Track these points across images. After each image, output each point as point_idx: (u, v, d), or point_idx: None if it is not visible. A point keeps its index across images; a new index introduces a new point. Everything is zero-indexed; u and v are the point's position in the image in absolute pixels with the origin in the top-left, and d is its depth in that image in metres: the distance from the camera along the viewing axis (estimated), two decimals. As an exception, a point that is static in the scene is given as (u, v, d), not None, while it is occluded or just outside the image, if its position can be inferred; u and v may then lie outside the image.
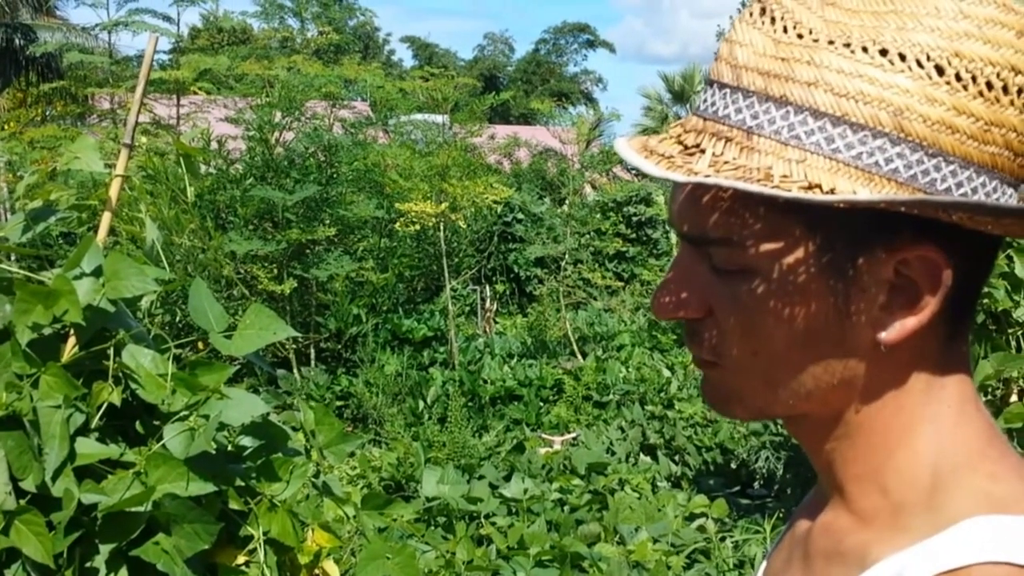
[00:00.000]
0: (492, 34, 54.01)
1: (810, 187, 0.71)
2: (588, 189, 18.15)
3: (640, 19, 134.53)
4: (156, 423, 1.91)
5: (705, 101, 0.78)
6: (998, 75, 0.71)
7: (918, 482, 0.77)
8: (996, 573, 0.68)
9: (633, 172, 22.36)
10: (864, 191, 0.71)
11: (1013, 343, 4.03)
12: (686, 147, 0.77)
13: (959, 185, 0.73)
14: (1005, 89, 0.72)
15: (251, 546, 1.94)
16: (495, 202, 13.20)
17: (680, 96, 29.11)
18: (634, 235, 17.22)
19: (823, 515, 0.86)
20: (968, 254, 0.76)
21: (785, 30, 0.75)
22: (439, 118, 13.81)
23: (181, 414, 1.87)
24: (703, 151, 0.76)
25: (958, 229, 0.73)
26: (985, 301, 3.97)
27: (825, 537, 0.84)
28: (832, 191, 0.71)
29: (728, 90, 0.76)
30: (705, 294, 0.80)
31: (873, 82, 0.71)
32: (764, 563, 0.97)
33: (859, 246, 0.74)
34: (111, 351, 1.88)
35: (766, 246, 0.75)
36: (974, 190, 0.73)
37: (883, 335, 0.76)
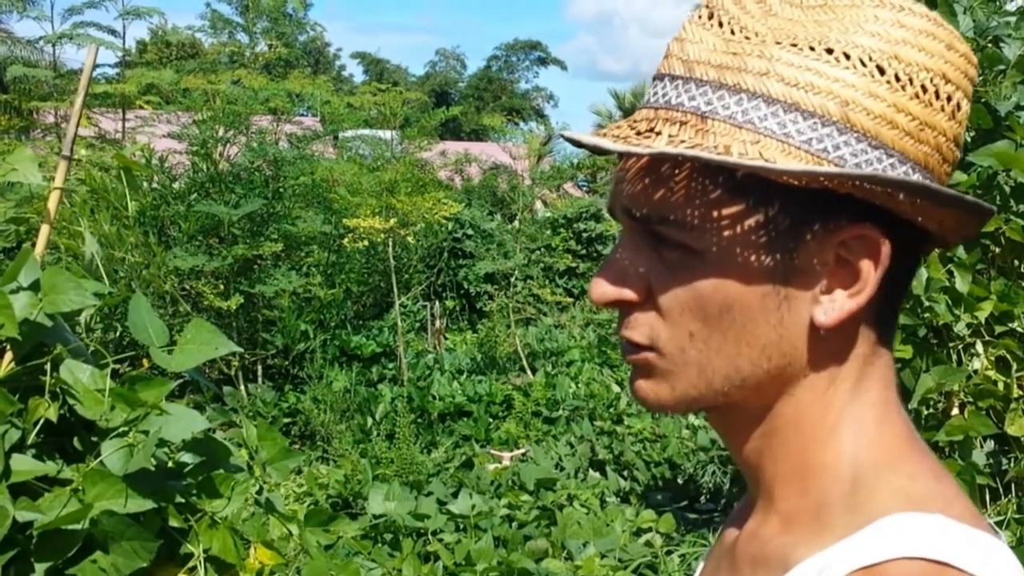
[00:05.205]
0: (444, 50, 53.78)
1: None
2: (539, 205, 18.19)
3: (592, 36, 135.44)
4: (94, 439, 1.89)
5: (655, 94, 0.81)
6: (931, 80, 0.77)
7: (839, 482, 0.78)
8: (911, 569, 0.69)
9: (584, 188, 22.47)
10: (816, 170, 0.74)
11: (954, 356, 4.09)
12: (639, 132, 0.79)
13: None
14: (937, 94, 0.77)
15: (191, 564, 1.92)
16: (445, 218, 13.18)
17: (630, 113, 29.30)
18: (584, 251, 17.26)
19: (750, 521, 0.86)
20: (897, 249, 0.78)
21: (732, 32, 0.78)
22: (386, 133, 13.77)
23: (120, 430, 1.85)
24: (658, 133, 0.77)
25: (894, 220, 0.77)
26: (927, 315, 4.04)
27: (751, 543, 0.85)
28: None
29: (680, 81, 0.78)
30: (645, 276, 0.80)
31: (821, 75, 0.75)
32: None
33: (802, 226, 0.76)
34: (48, 366, 1.85)
35: (714, 222, 0.77)
36: None
37: (822, 317, 0.77)
